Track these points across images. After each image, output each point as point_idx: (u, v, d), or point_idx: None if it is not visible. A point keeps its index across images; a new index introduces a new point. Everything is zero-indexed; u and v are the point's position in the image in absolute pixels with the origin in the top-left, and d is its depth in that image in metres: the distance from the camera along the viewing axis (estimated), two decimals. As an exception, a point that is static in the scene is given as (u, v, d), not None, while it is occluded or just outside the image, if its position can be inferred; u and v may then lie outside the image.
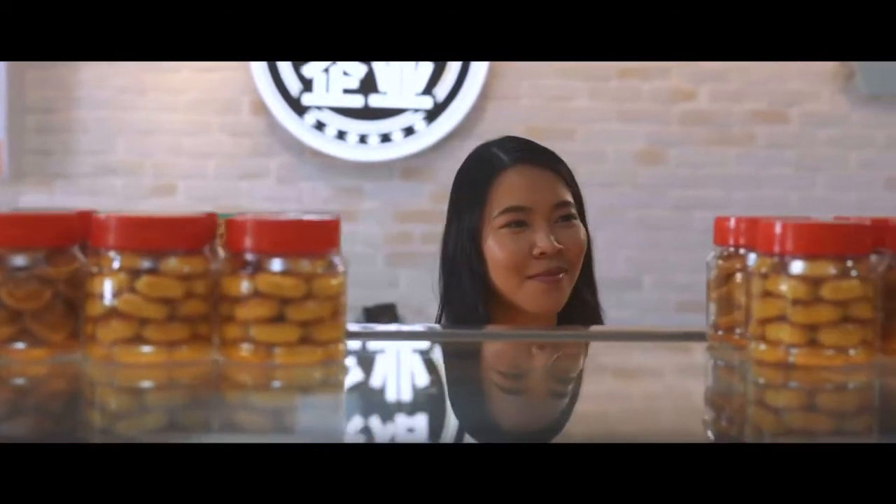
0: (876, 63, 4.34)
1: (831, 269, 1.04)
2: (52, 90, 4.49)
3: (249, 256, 1.02)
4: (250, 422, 0.94)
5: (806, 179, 4.57)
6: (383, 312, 4.12)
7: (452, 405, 1.05)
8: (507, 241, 1.78)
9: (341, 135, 4.43)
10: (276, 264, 1.02)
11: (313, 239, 1.03)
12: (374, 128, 4.44)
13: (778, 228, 1.05)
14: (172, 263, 1.01)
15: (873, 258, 1.08)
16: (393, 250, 4.49)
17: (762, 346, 1.06)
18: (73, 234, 1.05)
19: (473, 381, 1.18)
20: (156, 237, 1.01)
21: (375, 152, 4.45)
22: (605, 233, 4.47)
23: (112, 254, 1.01)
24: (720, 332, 1.18)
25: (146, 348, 1.01)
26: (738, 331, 1.14)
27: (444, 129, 4.44)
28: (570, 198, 1.83)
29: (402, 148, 4.45)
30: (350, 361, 1.17)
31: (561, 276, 1.78)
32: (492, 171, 1.82)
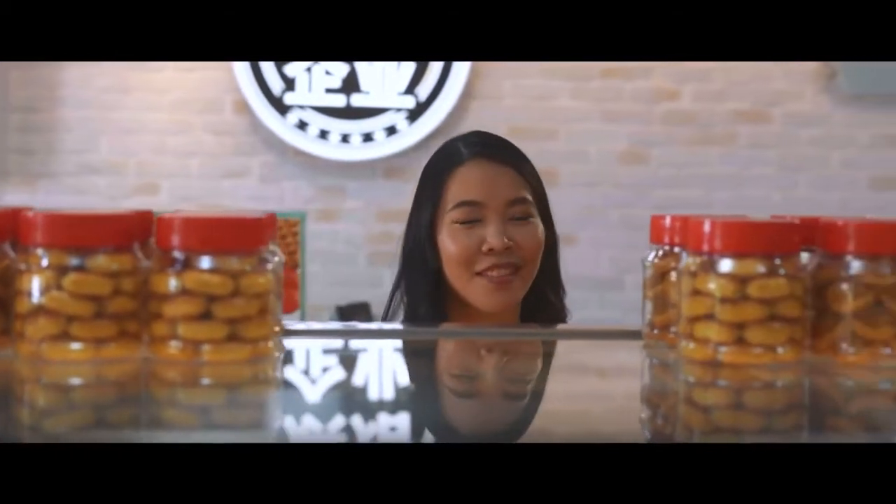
0: (858, 63, 4.35)
1: (759, 268, 1.04)
2: (35, 89, 4.49)
3: (178, 254, 1.02)
4: (177, 419, 0.95)
5: (788, 179, 4.57)
6: (357, 311, 4.12)
7: (385, 404, 1.05)
8: (459, 235, 1.78)
9: (324, 134, 4.44)
10: (205, 262, 1.02)
11: (241, 237, 1.03)
12: (356, 127, 4.44)
13: (707, 227, 1.06)
14: (100, 261, 1.01)
15: (804, 257, 1.09)
16: (375, 249, 4.49)
17: (691, 345, 1.07)
18: (4, 231, 1.05)
19: (416, 380, 1.19)
20: (84, 235, 1.01)
21: (358, 152, 4.46)
22: (587, 233, 4.48)
23: (40, 251, 1.01)
24: (655, 331, 1.18)
25: (75, 345, 1.01)
26: (672, 329, 1.15)
27: (426, 128, 4.44)
28: (527, 195, 1.81)
29: (384, 147, 4.46)
30: (291, 358, 1.17)
31: (511, 276, 1.77)
32: (450, 165, 1.82)
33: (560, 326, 1.62)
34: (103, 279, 1.01)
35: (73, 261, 1.01)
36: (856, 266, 1.05)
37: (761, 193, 4.53)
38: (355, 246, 4.51)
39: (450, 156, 1.85)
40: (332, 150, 4.45)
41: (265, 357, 1.04)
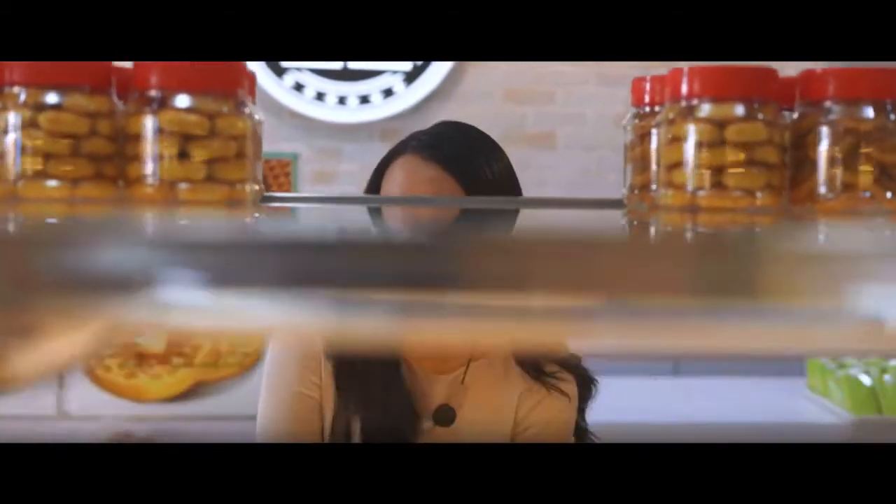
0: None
1: (737, 112, 1.04)
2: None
3: (154, 93, 1.02)
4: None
5: (785, 144, 4.57)
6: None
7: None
8: None
9: (320, 96, 4.43)
10: (182, 101, 1.02)
11: (219, 78, 1.03)
12: (353, 89, 4.44)
13: (685, 73, 1.05)
14: (77, 100, 1.01)
15: (785, 115, 1.08)
16: (371, 212, 4.50)
17: (670, 192, 1.06)
18: (-19, 74, 1.05)
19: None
20: (62, 72, 1.01)
21: (354, 114, 4.46)
22: (584, 195, 4.48)
23: (17, 89, 1.01)
24: (636, 192, 1.18)
25: (51, 182, 1.01)
26: (653, 187, 1.14)
27: (423, 91, 4.44)
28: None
29: (381, 110, 4.45)
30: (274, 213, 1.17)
31: None
32: (391, 156, 1.77)
33: (539, 198, 1.58)
34: (80, 118, 1.01)
35: (51, 98, 1.01)
36: (835, 111, 1.05)
37: (758, 158, 4.54)
38: (351, 208, 4.51)
39: (395, 147, 1.79)
40: (328, 113, 4.45)
41: (241, 200, 1.04)
